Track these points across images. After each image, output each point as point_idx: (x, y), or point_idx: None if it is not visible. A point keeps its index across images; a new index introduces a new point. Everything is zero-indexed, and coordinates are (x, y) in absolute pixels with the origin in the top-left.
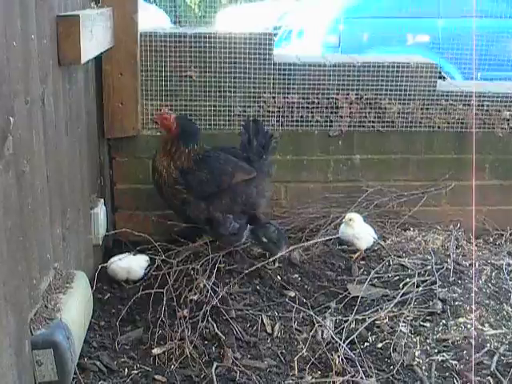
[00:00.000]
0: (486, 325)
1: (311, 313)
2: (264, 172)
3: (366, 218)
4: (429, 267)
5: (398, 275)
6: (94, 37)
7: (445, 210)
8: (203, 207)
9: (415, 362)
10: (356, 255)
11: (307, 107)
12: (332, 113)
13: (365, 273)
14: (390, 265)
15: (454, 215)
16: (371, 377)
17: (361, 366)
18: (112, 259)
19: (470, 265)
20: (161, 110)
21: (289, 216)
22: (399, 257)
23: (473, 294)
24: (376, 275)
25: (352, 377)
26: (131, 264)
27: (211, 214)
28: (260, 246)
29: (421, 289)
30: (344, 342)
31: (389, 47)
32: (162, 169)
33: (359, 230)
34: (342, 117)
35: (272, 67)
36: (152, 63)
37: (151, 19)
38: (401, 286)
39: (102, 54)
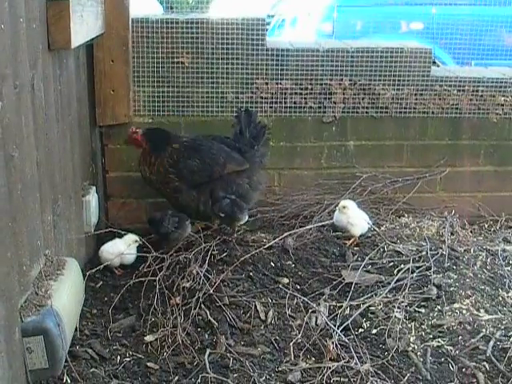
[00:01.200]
0: (482, 310)
1: (305, 299)
2: (256, 163)
3: (360, 204)
4: (423, 253)
5: (392, 261)
6: (85, 22)
7: (439, 197)
8: (195, 196)
9: (410, 348)
10: (350, 241)
11: (300, 93)
12: (325, 99)
13: (359, 259)
14: (384, 251)
15: (449, 201)
16: (366, 363)
17: (355, 352)
18: (102, 248)
19: (464, 251)
20: (132, 129)
21: (282, 203)
22: (394, 243)
23: (468, 280)
24: (370, 261)
25: (346, 362)
26: (121, 248)
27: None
28: (220, 221)
29: (415, 275)
30: (338, 328)
31: (383, 35)
32: (147, 175)
33: (353, 217)
34: (335, 103)
35: (265, 53)
36: (144, 49)
37: (143, 7)
38: (395, 272)
39: (93, 40)
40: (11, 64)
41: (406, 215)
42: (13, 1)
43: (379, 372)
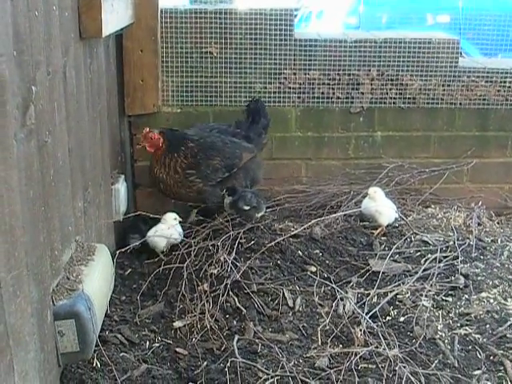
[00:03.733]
0: (509, 299)
1: (333, 286)
2: (259, 147)
3: (387, 194)
4: (451, 243)
5: (419, 251)
6: (115, 11)
7: (466, 188)
8: (219, 193)
9: (438, 336)
10: (378, 231)
11: (328, 84)
12: (353, 89)
13: (386, 248)
14: (411, 241)
15: (476, 192)
16: (394, 349)
17: (384, 339)
18: (149, 233)
19: (492, 241)
20: (144, 130)
21: (309, 193)
22: (421, 233)
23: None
24: (397, 251)
25: (375, 348)
26: (166, 232)
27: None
28: (239, 215)
29: (443, 264)
30: (366, 315)
31: (409, 27)
32: (165, 178)
33: (381, 205)
34: (363, 93)
35: (293, 43)
36: (173, 40)
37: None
38: (422, 261)
39: (122, 30)
40: (44, 51)
41: (433, 206)
42: None
43: (407, 358)
